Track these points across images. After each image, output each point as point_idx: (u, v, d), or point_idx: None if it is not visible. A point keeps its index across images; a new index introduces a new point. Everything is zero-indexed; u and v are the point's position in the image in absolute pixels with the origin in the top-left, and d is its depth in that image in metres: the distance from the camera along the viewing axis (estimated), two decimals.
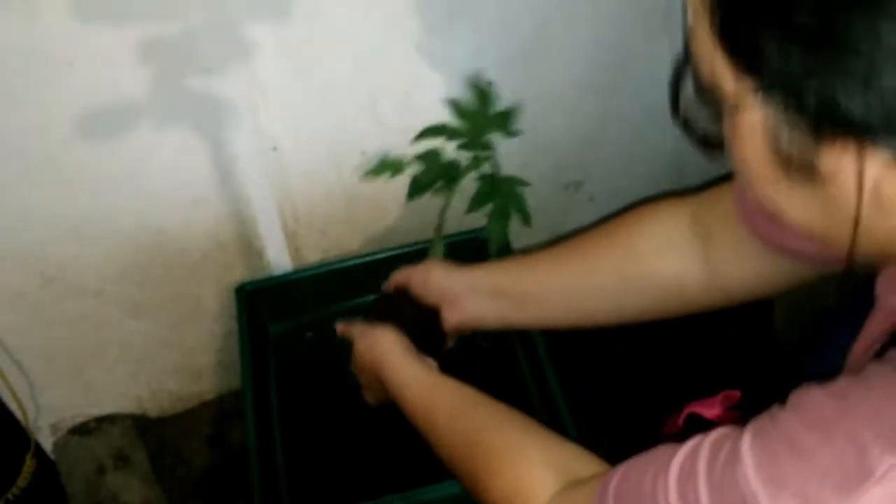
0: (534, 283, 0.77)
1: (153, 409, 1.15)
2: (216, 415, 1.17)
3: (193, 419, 1.17)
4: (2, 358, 0.97)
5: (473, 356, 1.09)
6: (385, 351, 0.79)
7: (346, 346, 1.07)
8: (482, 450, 0.65)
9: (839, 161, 0.38)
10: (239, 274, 1.03)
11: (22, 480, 1.00)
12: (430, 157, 0.85)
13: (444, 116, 0.96)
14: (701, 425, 0.85)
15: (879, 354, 0.45)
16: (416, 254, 1.02)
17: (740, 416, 0.91)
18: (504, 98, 0.97)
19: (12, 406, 0.99)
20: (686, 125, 0.46)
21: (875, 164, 0.37)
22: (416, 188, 0.85)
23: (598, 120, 1.06)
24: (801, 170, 0.40)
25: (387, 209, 1.04)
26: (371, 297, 1.02)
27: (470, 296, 0.81)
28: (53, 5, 0.71)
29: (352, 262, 1.02)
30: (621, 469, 0.54)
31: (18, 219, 0.87)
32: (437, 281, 0.83)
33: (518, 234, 1.09)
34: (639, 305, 0.73)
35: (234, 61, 0.81)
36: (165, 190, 0.90)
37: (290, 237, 1.01)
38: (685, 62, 0.44)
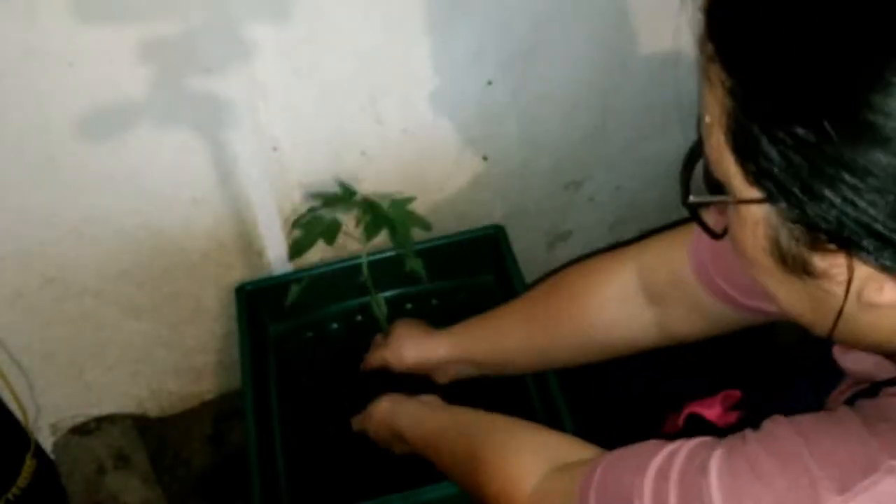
0: (504, 353, 0.88)
1: (153, 409, 1.15)
2: (216, 415, 1.17)
3: (193, 419, 1.17)
4: (2, 358, 0.97)
5: None
6: (384, 419, 0.90)
7: (346, 346, 1.07)
8: (478, 455, 0.70)
9: (830, 264, 0.43)
10: (239, 274, 1.03)
11: (22, 480, 0.99)
12: (310, 224, 0.91)
13: (444, 116, 0.96)
14: (701, 425, 0.85)
15: (850, 401, 0.50)
16: (416, 253, 1.02)
17: (740, 416, 0.91)
18: (504, 98, 0.97)
19: (12, 406, 0.99)
20: (693, 210, 0.50)
21: (862, 270, 0.42)
22: (297, 251, 0.92)
23: (599, 120, 1.06)
24: (796, 266, 0.45)
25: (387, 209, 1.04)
26: (371, 298, 1.03)
27: (450, 365, 0.93)
28: (53, 5, 0.71)
29: (352, 262, 1.02)
30: (608, 458, 0.57)
31: (18, 219, 0.87)
32: (413, 358, 0.94)
33: (518, 234, 1.09)
34: (598, 358, 0.84)
35: (234, 61, 0.81)
36: (165, 190, 0.90)
37: (290, 237, 1.01)
38: (698, 152, 0.48)
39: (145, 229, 0.93)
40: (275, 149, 0.91)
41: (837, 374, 0.60)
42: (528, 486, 0.63)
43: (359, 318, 1.07)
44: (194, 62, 0.80)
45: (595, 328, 0.80)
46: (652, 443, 0.55)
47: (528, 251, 1.14)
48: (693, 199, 0.49)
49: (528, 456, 0.66)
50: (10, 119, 0.78)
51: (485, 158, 1.03)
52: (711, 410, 0.91)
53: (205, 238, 0.97)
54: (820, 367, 0.64)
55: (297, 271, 1.03)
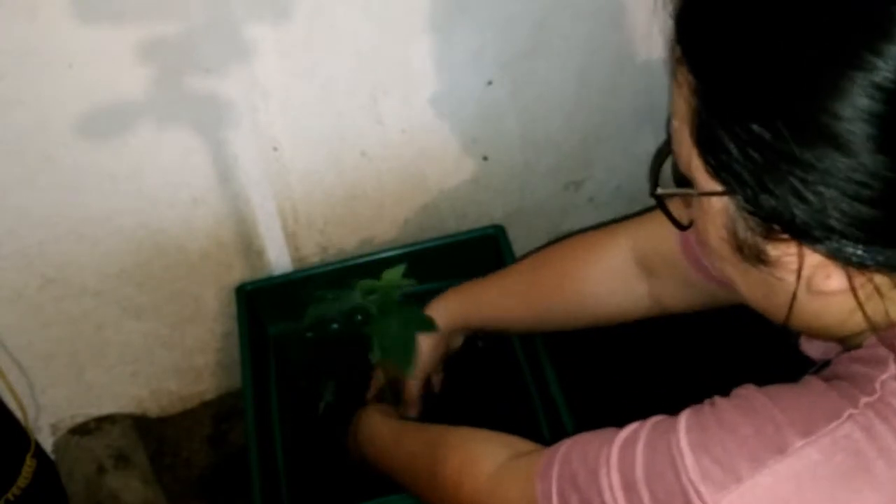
0: (501, 320, 0.91)
1: (153, 409, 1.15)
2: (216, 415, 1.17)
3: (193, 419, 1.16)
4: (2, 358, 0.97)
5: (473, 356, 1.09)
6: (358, 432, 0.91)
7: (346, 346, 1.07)
8: (439, 441, 0.73)
9: (783, 252, 0.47)
10: (239, 274, 1.03)
11: (22, 480, 0.99)
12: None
13: (444, 116, 0.96)
14: None
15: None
16: (415, 254, 1.02)
17: None
18: (504, 98, 0.97)
19: (12, 406, 0.99)
20: (660, 201, 0.54)
21: (812, 259, 0.46)
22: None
23: (598, 120, 1.06)
24: (752, 254, 0.49)
25: (387, 209, 1.04)
26: (370, 298, 1.02)
27: (451, 337, 0.95)
28: (53, 5, 0.71)
29: (352, 262, 1.02)
30: (568, 441, 0.59)
31: (18, 219, 0.87)
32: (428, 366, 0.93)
33: (518, 234, 1.09)
34: (592, 325, 0.86)
35: (234, 61, 0.81)
36: (165, 190, 0.90)
37: (290, 237, 1.01)
38: (668, 149, 0.52)
39: (145, 229, 0.93)
40: (275, 149, 0.91)
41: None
42: (489, 467, 0.65)
43: (359, 318, 1.07)
44: (194, 62, 0.80)
45: (591, 297, 0.83)
46: (614, 427, 0.57)
47: (528, 251, 1.14)
48: (660, 191, 0.53)
49: (489, 443, 0.68)
50: (10, 119, 0.78)
51: (485, 158, 1.03)
52: None
53: (205, 238, 0.97)
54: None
55: (297, 271, 1.03)
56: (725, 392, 0.54)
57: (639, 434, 0.53)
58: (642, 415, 0.56)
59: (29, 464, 1.00)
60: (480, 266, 1.07)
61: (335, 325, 1.08)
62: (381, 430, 0.85)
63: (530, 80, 0.97)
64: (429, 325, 0.91)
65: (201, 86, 0.82)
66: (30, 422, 1.02)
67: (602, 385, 1.13)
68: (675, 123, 0.50)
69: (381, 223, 1.05)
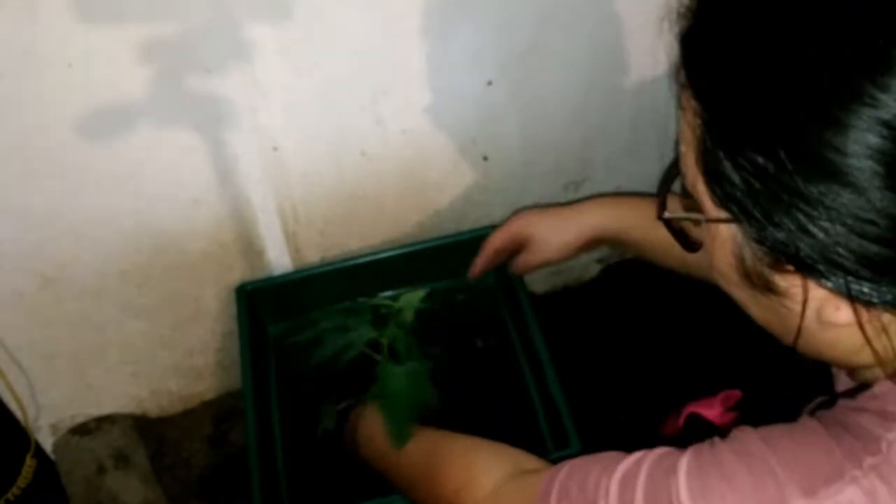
0: (642, 248, 0.88)
1: (153, 409, 1.15)
2: (216, 415, 1.17)
3: (193, 419, 1.16)
4: (2, 358, 0.97)
5: (473, 356, 1.09)
6: (355, 417, 0.91)
7: (347, 346, 1.06)
8: (431, 458, 0.72)
9: (790, 283, 0.46)
10: (239, 274, 1.03)
11: (22, 480, 0.99)
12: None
13: (444, 116, 0.96)
14: (701, 425, 0.85)
15: (812, 413, 0.53)
16: (415, 254, 1.02)
17: (740, 416, 0.91)
18: (504, 98, 0.97)
19: (12, 406, 0.99)
20: (669, 225, 0.54)
21: (820, 291, 0.45)
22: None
23: (598, 120, 1.06)
24: (760, 283, 0.48)
25: (387, 209, 1.04)
26: (371, 298, 1.03)
27: (594, 243, 0.90)
28: (53, 5, 0.71)
29: (352, 262, 1.02)
30: (569, 464, 0.58)
31: (18, 219, 0.87)
32: (560, 253, 0.89)
33: None
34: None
35: (234, 61, 0.81)
36: (165, 190, 0.90)
37: (290, 237, 1.01)
38: (675, 171, 0.51)
39: (145, 229, 0.93)
40: (275, 149, 0.91)
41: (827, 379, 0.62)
42: (490, 483, 0.64)
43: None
44: (194, 62, 0.80)
45: None
46: (616, 452, 0.56)
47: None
48: (667, 214, 0.53)
49: (488, 459, 0.67)
50: (10, 119, 0.78)
51: (485, 158, 1.03)
52: (711, 410, 0.91)
53: (205, 238, 0.97)
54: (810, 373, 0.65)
55: (297, 271, 1.03)
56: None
57: (639, 468, 0.52)
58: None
59: (29, 464, 1.00)
60: None
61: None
62: (380, 431, 0.85)
63: (530, 80, 0.97)
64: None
65: (201, 86, 0.82)
66: (30, 422, 1.02)
67: (602, 385, 1.13)
68: (682, 148, 0.49)
69: (381, 223, 1.05)
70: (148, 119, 0.83)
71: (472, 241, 1.05)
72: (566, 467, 0.58)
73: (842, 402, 0.50)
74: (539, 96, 0.99)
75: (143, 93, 0.80)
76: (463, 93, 0.94)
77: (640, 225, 0.86)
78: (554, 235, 0.89)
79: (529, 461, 0.67)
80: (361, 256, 1.03)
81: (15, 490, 0.99)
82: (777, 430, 0.50)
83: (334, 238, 1.04)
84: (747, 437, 0.50)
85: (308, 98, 0.88)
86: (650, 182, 1.17)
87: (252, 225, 0.97)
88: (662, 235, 0.81)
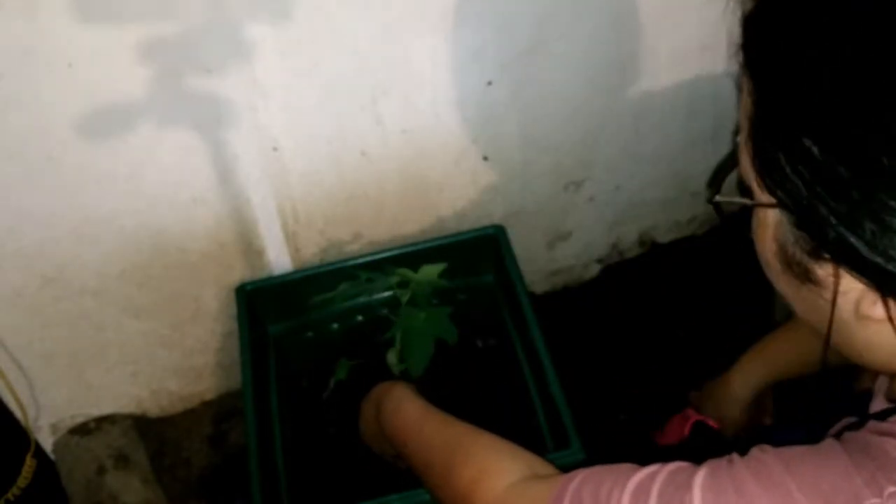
0: (798, 371, 0.88)
1: (153, 409, 1.15)
2: (216, 415, 1.17)
3: (193, 419, 1.17)
4: (2, 358, 0.97)
5: (473, 356, 1.09)
6: (376, 394, 0.88)
7: (346, 346, 1.07)
8: (451, 448, 0.71)
9: (829, 273, 0.46)
10: (239, 274, 1.03)
11: (22, 480, 0.99)
12: None
13: (444, 116, 0.96)
14: (707, 434, 0.85)
15: (838, 434, 0.52)
16: (415, 254, 1.02)
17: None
18: (504, 98, 0.97)
19: (12, 406, 0.99)
20: (718, 209, 0.54)
21: (856, 284, 0.45)
22: None
23: (599, 120, 1.06)
24: (800, 272, 0.48)
25: (387, 209, 1.04)
26: (370, 298, 1.03)
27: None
28: (53, 5, 0.71)
29: (352, 262, 1.02)
30: (582, 473, 0.57)
31: (18, 219, 0.87)
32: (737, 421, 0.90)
33: (518, 234, 1.09)
34: None
35: (234, 61, 0.81)
36: (165, 190, 0.90)
37: (290, 237, 1.01)
38: (732, 162, 0.51)
39: (145, 229, 0.93)
40: (275, 149, 0.91)
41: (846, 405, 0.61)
42: (504, 483, 0.64)
43: (359, 318, 1.07)
44: (194, 62, 0.80)
45: None
46: (630, 464, 0.56)
47: (528, 251, 1.15)
48: (718, 198, 0.53)
49: (507, 460, 0.67)
50: (10, 119, 0.78)
51: (485, 158, 1.03)
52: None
53: (205, 238, 0.97)
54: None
55: (297, 271, 1.03)
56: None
57: (653, 482, 0.52)
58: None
59: (29, 464, 1.00)
60: (480, 266, 1.08)
61: (335, 325, 1.08)
62: (408, 406, 0.83)
63: (530, 80, 0.97)
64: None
65: (201, 86, 0.82)
66: (30, 422, 1.02)
67: (602, 385, 1.13)
68: (741, 137, 0.49)
69: (381, 223, 1.05)
70: (148, 119, 0.83)
71: (472, 241, 1.05)
72: (579, 476, 0.57)
73: (870, 424, 0.50)
74: (539, 96, 0.99)
75: (143, 93, 0.80)
76: (463, 93, 0.94)
77: (789, 363, 0.88)
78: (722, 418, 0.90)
79: (545, 467, 0.66)
80: (361, 256, 1.03)
81: (15, 490, 0.99)
82: (797, 453, 0.49)
83: (334, 238, 1.04)
84: (767, 458, 0.49)
85: (308, 98, 0.88)
86: (650, 182, 1.17)
87: (252, 225, 0.97)
88: (807, 358, 0.84)
